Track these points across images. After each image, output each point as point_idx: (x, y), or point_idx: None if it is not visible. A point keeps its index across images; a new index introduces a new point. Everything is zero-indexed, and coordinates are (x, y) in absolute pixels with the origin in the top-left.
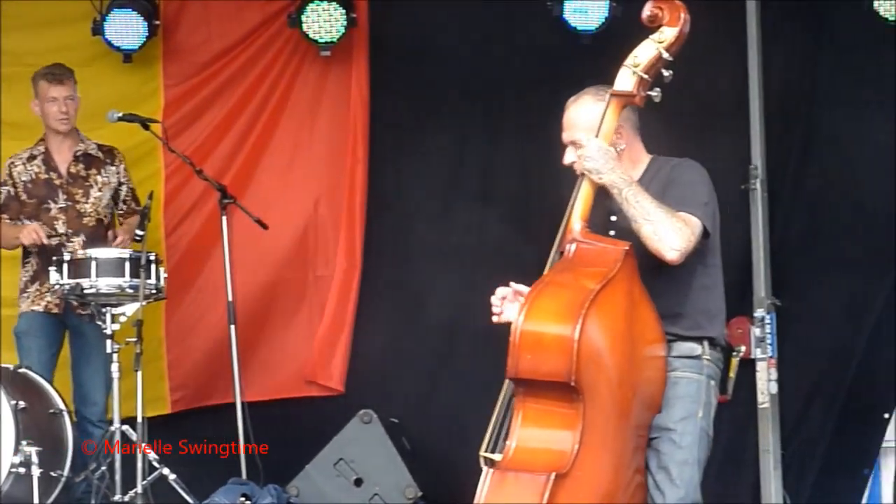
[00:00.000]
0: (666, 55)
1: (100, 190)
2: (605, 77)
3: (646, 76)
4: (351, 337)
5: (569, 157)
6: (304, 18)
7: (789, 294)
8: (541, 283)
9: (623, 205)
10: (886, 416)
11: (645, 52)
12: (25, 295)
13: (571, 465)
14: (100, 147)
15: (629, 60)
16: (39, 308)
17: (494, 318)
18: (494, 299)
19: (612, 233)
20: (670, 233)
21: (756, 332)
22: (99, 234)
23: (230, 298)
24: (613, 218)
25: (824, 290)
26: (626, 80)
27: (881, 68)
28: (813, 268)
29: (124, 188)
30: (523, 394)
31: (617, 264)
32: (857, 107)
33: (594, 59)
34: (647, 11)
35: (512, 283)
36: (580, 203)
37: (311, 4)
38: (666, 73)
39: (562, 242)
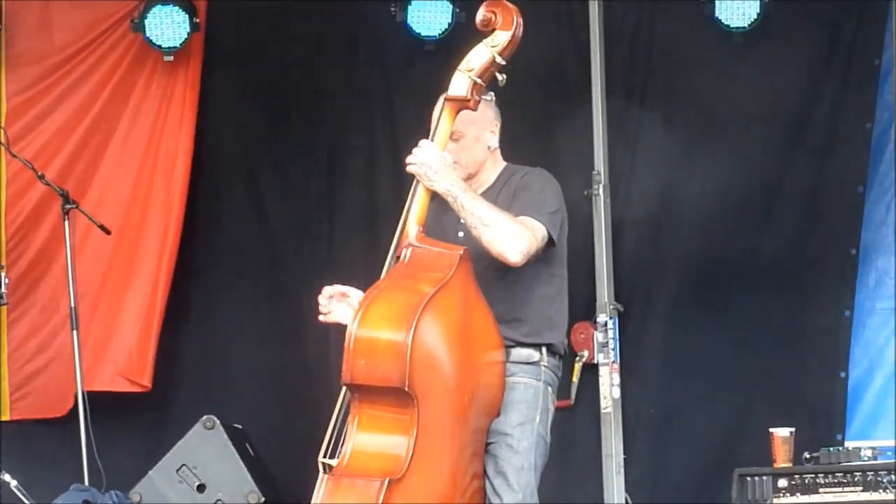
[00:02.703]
0: (499, 59)
1: None
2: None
3: (479, 80)
4: (158, 335)
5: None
6: (146, 23)
7: (632, 299)
8: (375, 289)
9: (460, 212)
10: None
11: (478, 57)
12: None
13: (405, 470)
14: None
15: (463, 65)
16: None
17: (321, 317)
18: (321, 298)
19: (460, 234)
20: (511, 235)
21: (599, 336)
22: None
23: (72, 304)
24: (462, 221)
25: (667, 295)
26: (459, 84)
27: (716, 71)
28: (656, 272)
29: None
30: (359, 399)
31: (451, 268)
32: (696, 112)
33: (437, 64)
34: (480, 15)
35: (336, 286)
36: (416, 208)
37: (153, 9)
38: (500, 76)
39: (398, 247)
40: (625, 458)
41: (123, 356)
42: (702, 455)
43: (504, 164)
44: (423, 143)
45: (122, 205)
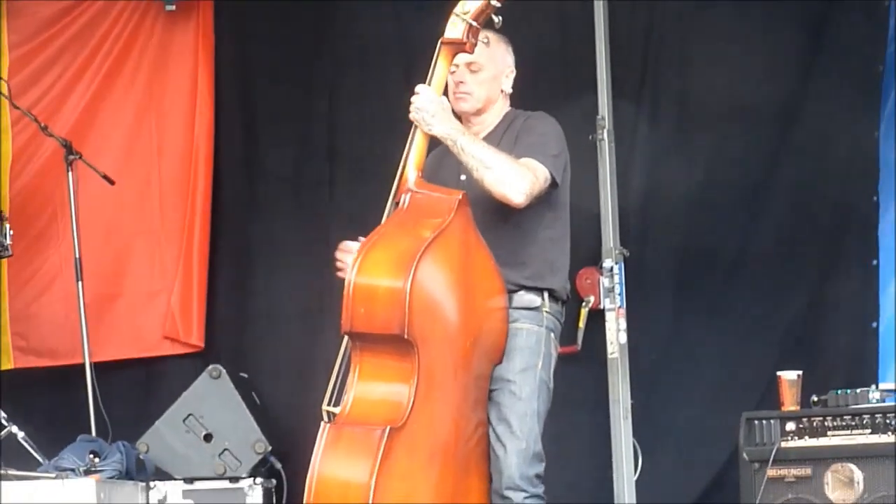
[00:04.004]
0: (494, 1)
1: None
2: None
3: (475, 23)
4: (206, 292)
5: None
6: None
7: (637, 243)
8: (374, 235)
9: (460, 155)
10: None
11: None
12: None
13: (407, 417)
14: None
15: (458, 8)
16: None
17: (339, 273)
18: (337, 253)
19: (462, 178)
20: (514, 176)
21: (605, 282)
22: None
23: (77, 255)
24: (463, 177)
25: (672, 240)
26: (455, 27)
27: (719, 19)
28: (664, 217)
29: None
30: (360, 348)
31: (451, 213)
32: (699, 57)
33: (438, 12)
34: None
35: (349, 242)
36: (415, 153)
37: None
38: (496, 18)
39: (397, 193)
40: (632, 404)
41: (167, 317)
42: (713, 400)
43: (509, 108)
44: (419, 87)
45: (127, 155)
